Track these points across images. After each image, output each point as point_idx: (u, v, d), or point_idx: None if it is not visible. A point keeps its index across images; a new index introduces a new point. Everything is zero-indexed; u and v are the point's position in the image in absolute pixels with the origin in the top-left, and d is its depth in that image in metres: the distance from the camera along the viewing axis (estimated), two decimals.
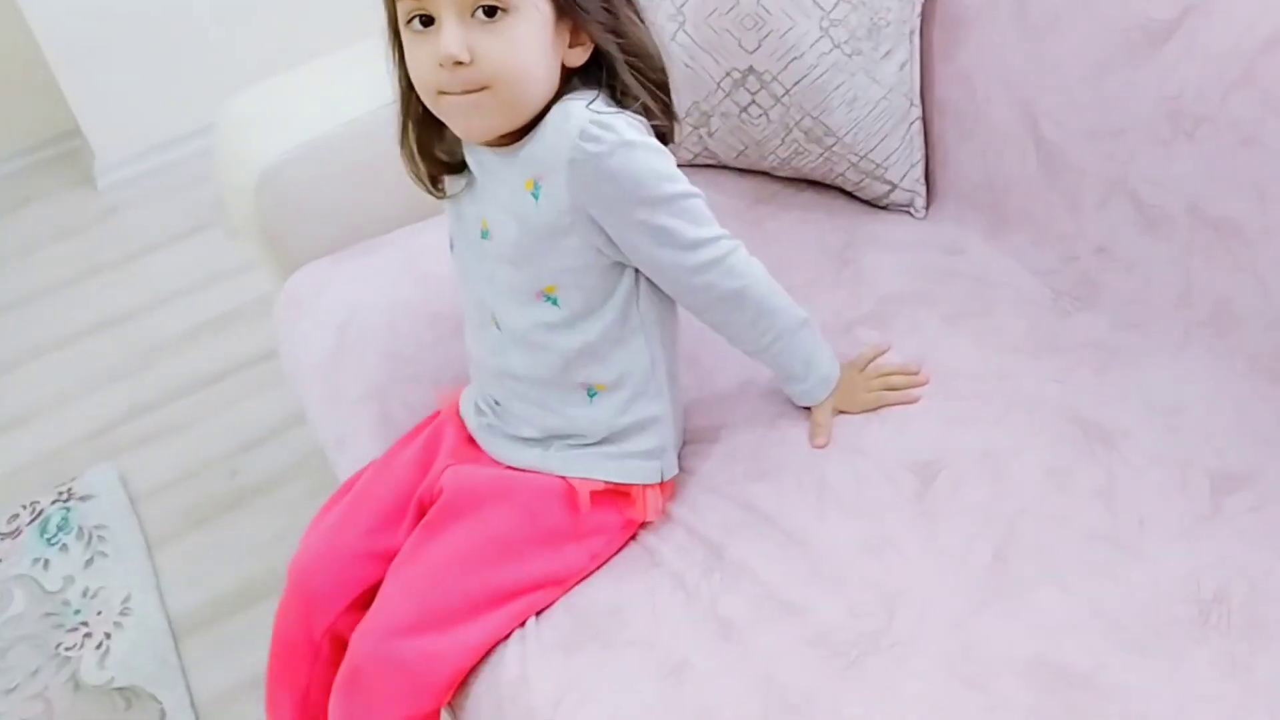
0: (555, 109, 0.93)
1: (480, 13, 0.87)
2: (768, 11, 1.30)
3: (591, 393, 1.01)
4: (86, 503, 1.82)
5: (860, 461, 1.04)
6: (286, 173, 1.41)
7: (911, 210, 1.35)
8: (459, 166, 1.02)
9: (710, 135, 1.39)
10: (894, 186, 1.34)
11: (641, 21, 0.96)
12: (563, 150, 0.91)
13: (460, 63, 0.87)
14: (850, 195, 1.38)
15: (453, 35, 0.87)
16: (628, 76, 0.94)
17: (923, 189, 1.34)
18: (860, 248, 1.29)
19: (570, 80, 0.95)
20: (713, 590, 0.97)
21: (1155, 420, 1.04)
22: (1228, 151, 1.05)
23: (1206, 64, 1.06)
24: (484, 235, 1.00)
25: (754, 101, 1.34)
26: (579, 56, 0.94)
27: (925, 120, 1.33)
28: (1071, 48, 1.16)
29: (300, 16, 2.61)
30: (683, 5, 1.34)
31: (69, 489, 1.85)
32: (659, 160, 0.94)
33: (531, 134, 0.94)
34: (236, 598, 1.64)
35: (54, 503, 1.83)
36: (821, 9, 1.28)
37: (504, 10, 0.87)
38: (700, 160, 1.43)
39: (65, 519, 1.80)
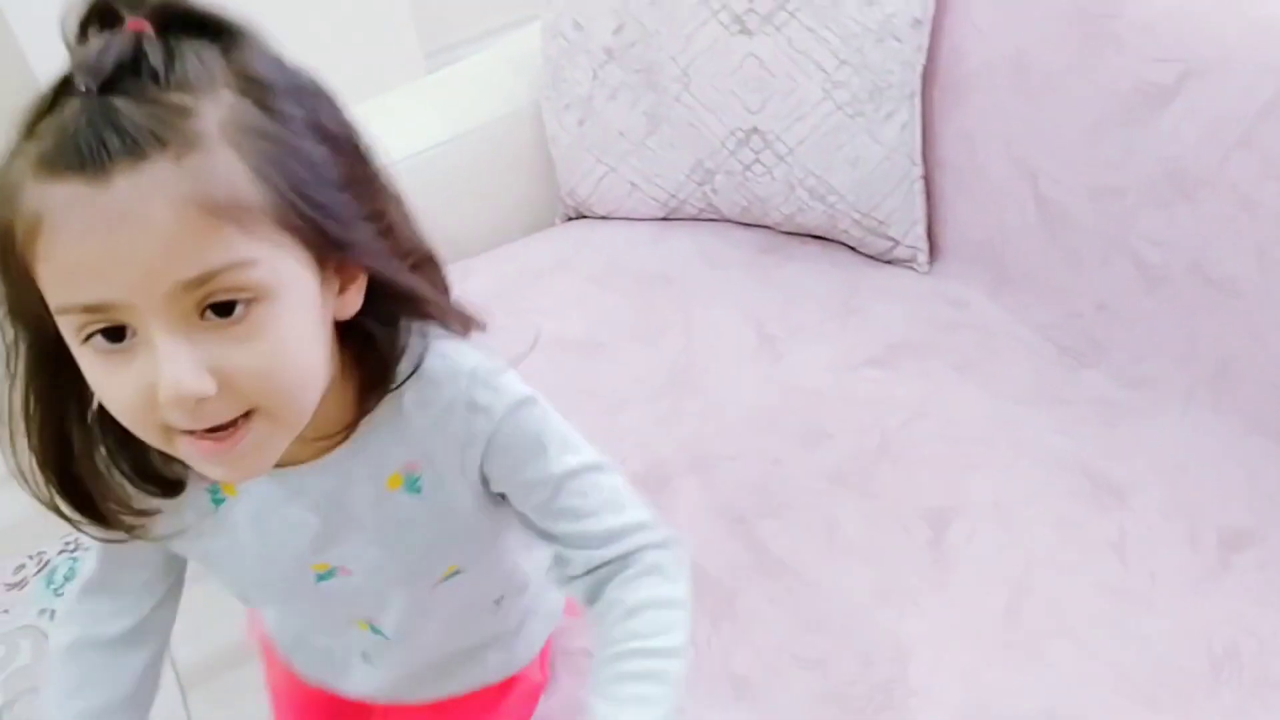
0: (405, 364, 0.66)
1: (210, 312, 0.54)
2: (771, 73, 1.33)
3: (499, 601, 0.84)
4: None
5: (871, 505, 1.04)
6: None
7: (914, 265, 1.37)
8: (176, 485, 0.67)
9: (714, 192, 1.42)
10: (896, 243, 1.36)
11: (389, 187, 0.64)
12: (450, 423, 0.68)
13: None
14: (853, 249, 1.40)
15: (181, 362, 0.53)
16: (423, 287, 0.66)
17: (925, 245, 1.36)
18: (865, 297, 1.31)
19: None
20: (724, 644, 0.97)
21: (1163, 476, 1.05)
22: (1227, 214, 1.07)
23: (1206, 127, 1.08)
24: (324, 577, 0.73)
25: (758, 160, 1.37)
26: (354, 300, 0.62)
27: (927, 179, 1.35)
28: (1071, 110, 1.19)
29: (313, 68, 2.64)
30: (687, 66, 1.36)
31: (76, 539, 1.83)
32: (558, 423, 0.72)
33: (370, 419, 0.66)
34: (242, 648, 1.62)
35: (60, 553, 1.81)
36: (824, 71, 1.31)
37: (248, 301, 0.54)
38: (704, 215, 1.45)
39: (72, 569, 1.78)
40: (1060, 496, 1.04)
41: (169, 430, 0.57)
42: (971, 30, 1.27)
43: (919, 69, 1.30)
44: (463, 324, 0.70)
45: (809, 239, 1.42)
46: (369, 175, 0.62)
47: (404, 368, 0.66)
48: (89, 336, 0.55)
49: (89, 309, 0.54)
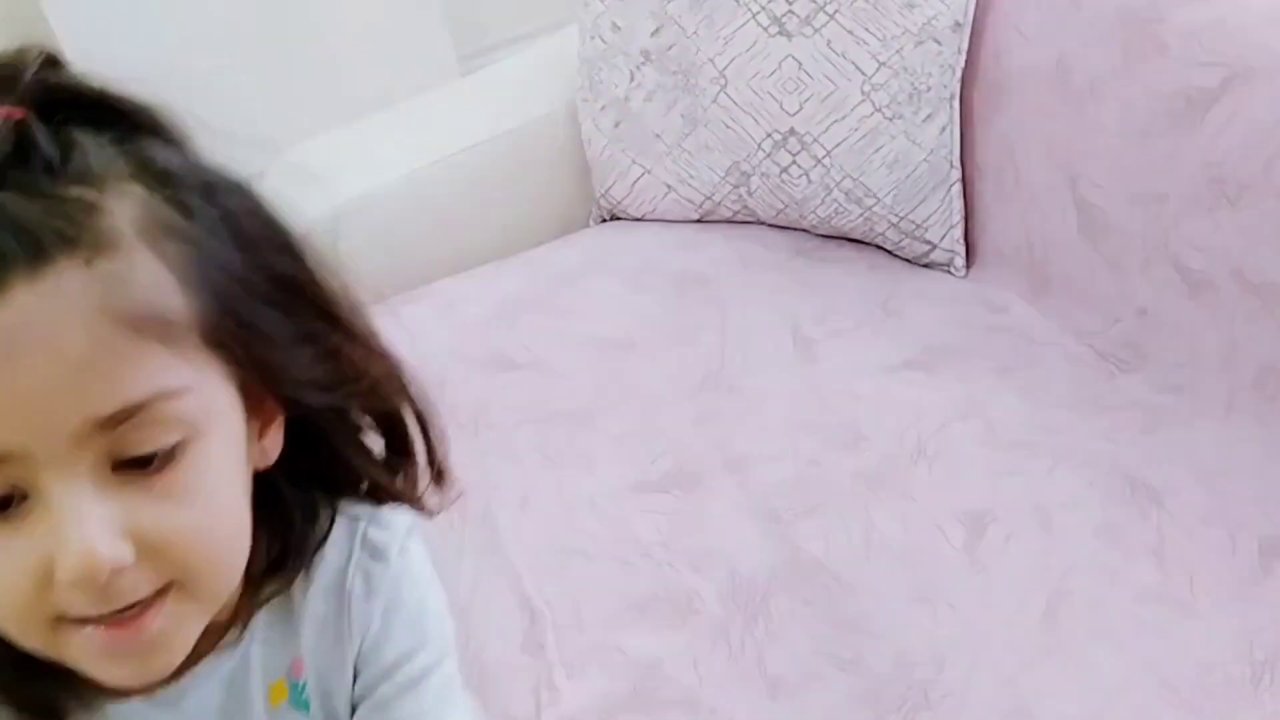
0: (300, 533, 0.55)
1: (124, 463, 0.44)
2: (809, 75, 1.33)
3: None
4: None
5: (908, 507, 1.04)
6: (334, 228, 1.43)
7: (951, 269, 1.36)
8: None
9: (750, 194, 1.41)
10: (934, 246, 1.35)
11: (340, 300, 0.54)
12: (339, 591, 0.56)
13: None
14: (890, 253, 1.39)
15: (91, 524, 0.42)
16: (362, 454, 0.56)
17: (962, 249, 1.35)
18: (903, 300, 1.30)
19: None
20: (758, 644, 0.97)
21: (1203, 482, 1.04)
22: (1271, 219, 1.06)
23: (1249, 133, 1.07)
24: None
25: (794, 162, 1.37)
26: (274, 445, 0.52)
27: (965, 182, 1.35)
28: (1113, 114, 1.18)
29: (346, 74, 2.66)
30: (724, 68, 1.37)
31: None
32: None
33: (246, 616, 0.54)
34: None
35: None
36: (863, 74, 1.31)
37: (175, 445, 0.44)
38: (739, 218, 1.45)
39: None
40: (1099, 501, 1.03)
41: (57, 624, 0.44)
42: (1013, 33, 1.27)
43: (958, 72, 1.30)
44: (420, 505, 0.58)
45: (845, 242, 1.42)
46: (304, 285, 0.51)
47: (315, 538, 0.54)
48: None
49: None
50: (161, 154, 0.47)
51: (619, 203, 1.50)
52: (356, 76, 2.69)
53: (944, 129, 1.32)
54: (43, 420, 0.41)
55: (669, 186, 1.45)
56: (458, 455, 1.16)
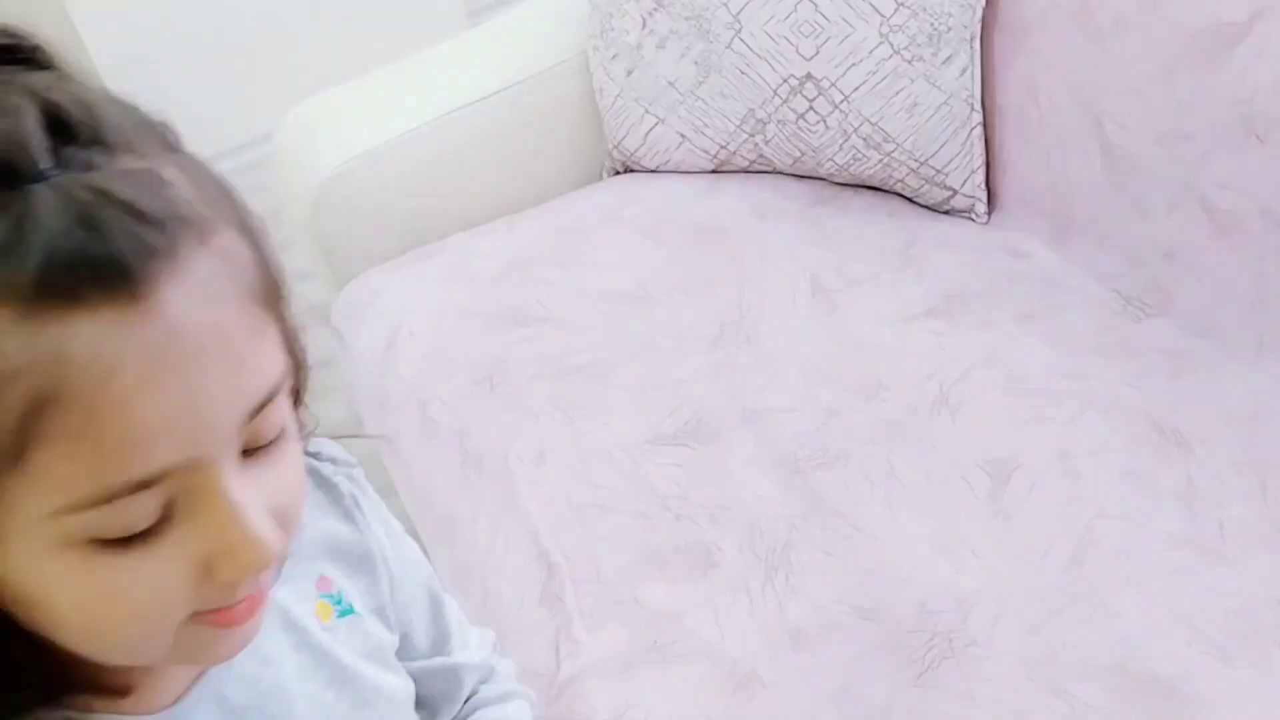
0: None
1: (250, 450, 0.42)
2: (826, 18, 1.30)
3: None
4: None
5: (930, 457, 1.02)
6: (344, 183, 1.41)
7: (973, 215, 1.33)
8: None
9: (766, 143, 1.39)
10: (955, 192, 1.32)
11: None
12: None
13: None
14: (910, 200, 1.37)
15: (259, 513, 0.41)
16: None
17: (984, 194, 1.32)
18: (923, 247, 1.28)
19: None
20: (779, 595, 0.95)
21: (1232, 426, 1.02)
22: None
23: (1278, 66, 1.04)
24: None
25: (811, 108, 1.34)
26: None
27: (986, 125, 1.32)
28: (1138, 51, 1.15)
29: (353, 28, 2.64)
30: (739, 12, 1.33)
31: None
32: None
33: None
34: None
35: None
36: (881, 15, 1.28)
37: (283, 427, 0.43)
38: (755, 167, 1.43)
39: None
40: (1126, 448, 1.01)
41: (188, 620, 0.42)
42: None
43: (979, 11, 1.26)
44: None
45: (864, 189, 1.39)
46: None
47: None
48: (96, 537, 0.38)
49: (140, 485, 0.37)
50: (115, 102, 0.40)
51: (632, 154, 1.47)
52: (365, 30, 2.67)
53: (964, 70, 1.28)
54: (214, 424, 0.38)
55: (683, 136, 1.43)
56: (474, 411, 1.16)
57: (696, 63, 1.38)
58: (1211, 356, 1.09)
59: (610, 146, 1.49)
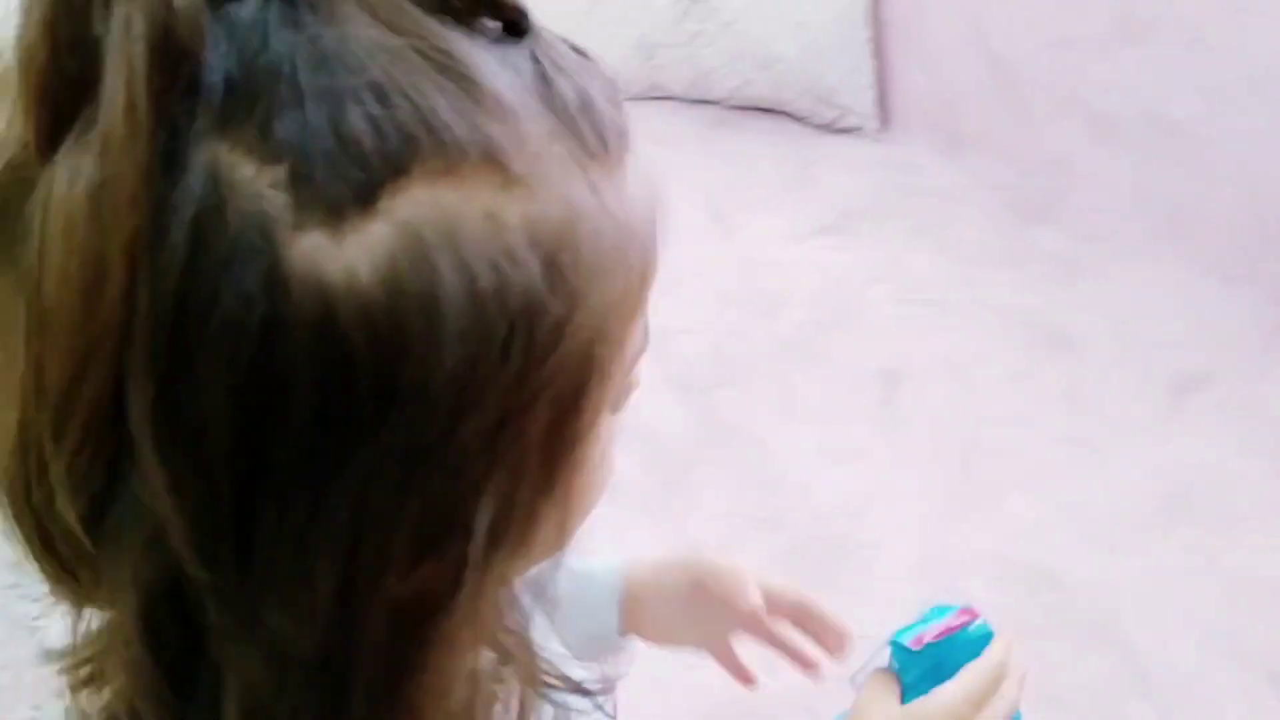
0: None
1: None
2: None
3: None
4: None
5: (824, 369, 1.03)
6: None
7: (865, 133, 1.34)
8: None
9: (659, 69, 1.38)
10: (845, 111, 1.33)
11: None
12: None
13: None
14: (803, 121, 1.37)
15: None
16: None
17: (875, 111, 1.33)
18: (818, 166, 1.28)
19: None
20: (680, 510, 0.96)
21: (1115, 326, 1.04)
22: (1175, 55, 1.05)
23: None
24: None
25: (702, 30, 1.33)
26: None
27: (875, 41, 1.32)
28: None
29: None
30: None
31: None
32: None
33: None
34: None
35: None
36: None
37: None
38: (649, 94, 1.42)
39: None
40: (1012, 353, 1.03)
41: None
42: None
43: None
44: None
45: (758, 112, 1.39)
46: None
47: None
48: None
49: None
50: None
51: None
52: None
53: None
54: None
55: None
56: None
57: None
58: (1096, 259, 1.12)
59: None
